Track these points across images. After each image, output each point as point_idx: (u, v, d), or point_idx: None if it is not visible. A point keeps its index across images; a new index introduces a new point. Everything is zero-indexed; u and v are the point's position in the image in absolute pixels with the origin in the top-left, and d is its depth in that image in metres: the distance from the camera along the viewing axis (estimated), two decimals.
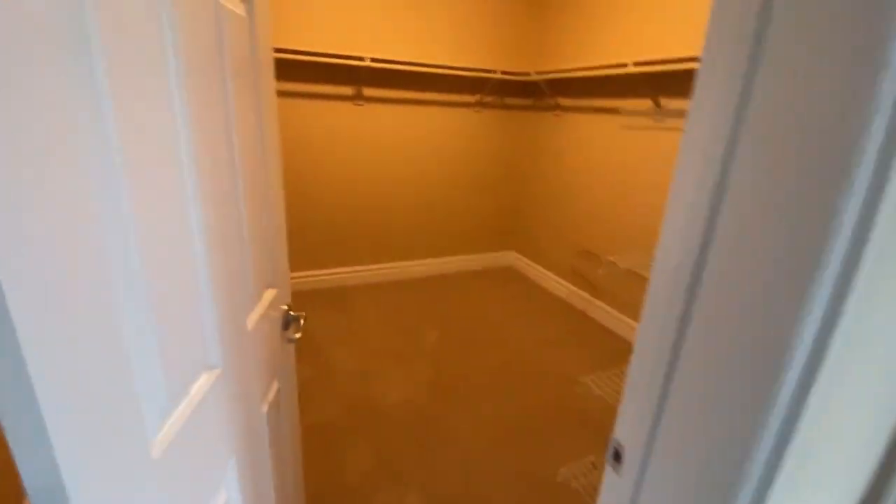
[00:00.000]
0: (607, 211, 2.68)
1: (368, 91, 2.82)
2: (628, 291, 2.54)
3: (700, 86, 0.40)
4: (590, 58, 2.69)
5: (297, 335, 0.96)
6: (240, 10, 0.66)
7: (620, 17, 2.45)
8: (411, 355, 2.32)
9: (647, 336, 0.48)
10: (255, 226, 0.74)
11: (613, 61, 2.32)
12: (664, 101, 2.24)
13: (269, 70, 0.80)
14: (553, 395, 2.05)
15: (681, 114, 2.17)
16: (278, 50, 2.35)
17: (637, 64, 2.12)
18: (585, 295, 2.92)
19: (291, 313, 0.95)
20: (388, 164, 3.03)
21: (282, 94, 2.60)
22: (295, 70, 2.57)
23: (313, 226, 2.95)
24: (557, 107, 3.03)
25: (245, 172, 0.68)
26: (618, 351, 2.44)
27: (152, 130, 0.42)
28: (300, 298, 2.87)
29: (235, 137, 0.63)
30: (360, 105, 2.82)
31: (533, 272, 3.47)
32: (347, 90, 2.77)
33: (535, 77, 2.93)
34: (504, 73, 2.94)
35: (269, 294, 0.84)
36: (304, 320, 0.94)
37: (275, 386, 0.88)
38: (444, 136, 3.14)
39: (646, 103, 2.34)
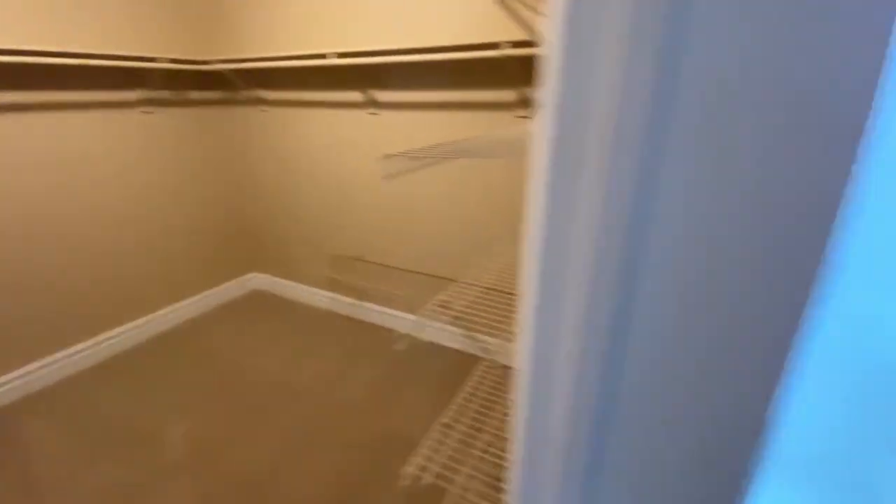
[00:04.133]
0: (346, 212, 2.53)
1: None
2: (391, 287, 2.54)
3: None
4: (288, 44, 2.35)
5: None
6: None
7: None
8: (159, 475, 1.63)
9: None
10: None
11: (313, 51, 2.07)
12: (375, 94, 2.19)
13: None
14: (378, 457, 1.86)
15: (395, 105, 2.17)
16: None
17: (342, 55, 1.95)
18: (351, 301, 2.76)
19: None
20: (27, 198, 1.92)
21: None
22: None
23: None
24: (260, 101, 2.58)
25: None
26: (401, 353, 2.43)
27: None
28: None
29: None
30: None
31: (282, 288, 3.05)
32: None
33: (217, 66, 2.36)
34: (174, 60, 2.24)
35: None
36: None
37: None
38: (105, 148, 2.21)
39: (356, 96, 2.23)
